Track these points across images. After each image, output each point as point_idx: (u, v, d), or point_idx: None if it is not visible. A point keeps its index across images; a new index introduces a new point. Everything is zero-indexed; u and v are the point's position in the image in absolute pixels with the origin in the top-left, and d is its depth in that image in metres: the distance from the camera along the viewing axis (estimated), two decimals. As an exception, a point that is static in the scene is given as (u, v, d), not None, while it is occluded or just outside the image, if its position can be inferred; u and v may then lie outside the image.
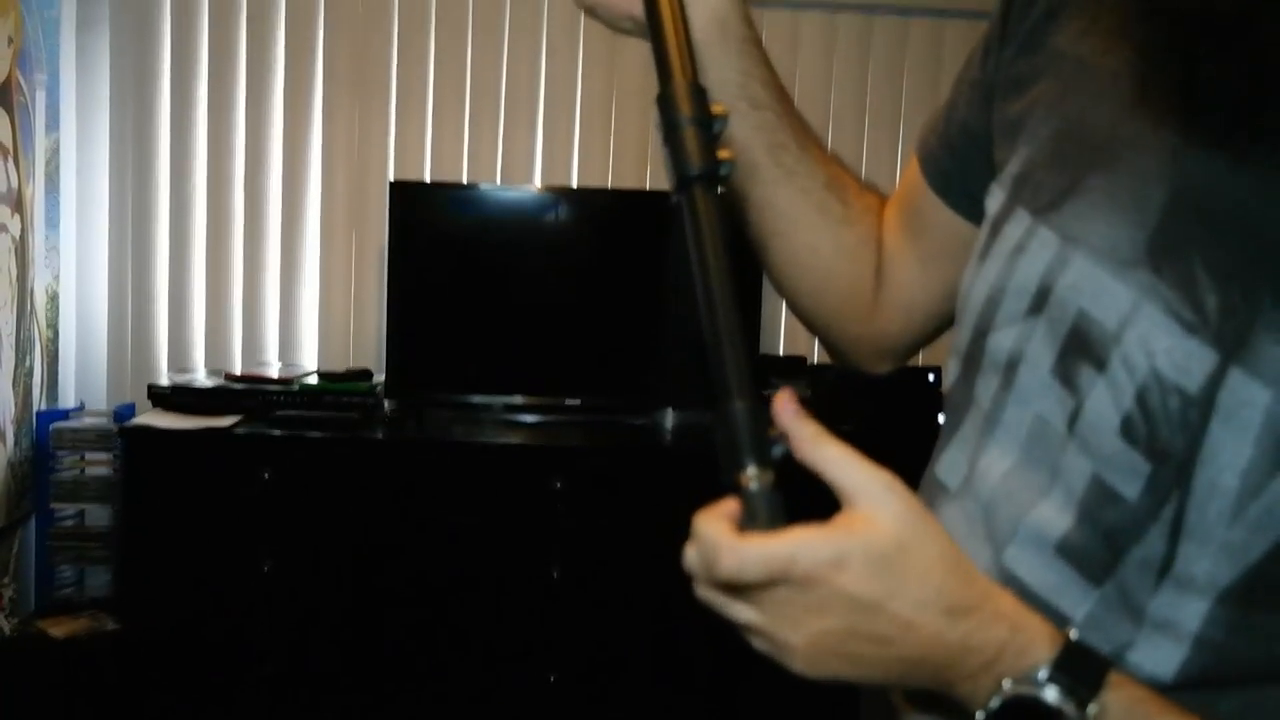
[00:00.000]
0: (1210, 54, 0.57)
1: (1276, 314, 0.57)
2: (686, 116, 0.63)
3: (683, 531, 0.57)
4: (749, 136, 0.83)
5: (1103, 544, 0.63)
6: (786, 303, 0.93)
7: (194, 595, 2.59)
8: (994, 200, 0.74)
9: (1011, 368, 0.69)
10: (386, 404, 2.84)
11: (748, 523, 0.52)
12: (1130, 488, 0.61)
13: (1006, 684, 0.53)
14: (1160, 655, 0.60)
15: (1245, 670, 0.59)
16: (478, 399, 2.93)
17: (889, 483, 0.54)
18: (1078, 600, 0.63)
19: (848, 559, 0.51)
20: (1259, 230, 0.59)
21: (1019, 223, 0.70)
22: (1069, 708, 0.52)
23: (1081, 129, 0.68)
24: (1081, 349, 0.64)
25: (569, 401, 2.91)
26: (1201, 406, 0.59)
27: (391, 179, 2.94)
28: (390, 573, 2.61)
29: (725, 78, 0.80)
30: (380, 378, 2.89)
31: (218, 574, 2.57)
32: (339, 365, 3.00)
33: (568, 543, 2.62)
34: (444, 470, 2.63)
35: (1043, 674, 0.53)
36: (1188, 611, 0.60)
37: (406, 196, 2.85)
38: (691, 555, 0.54)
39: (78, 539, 2.73)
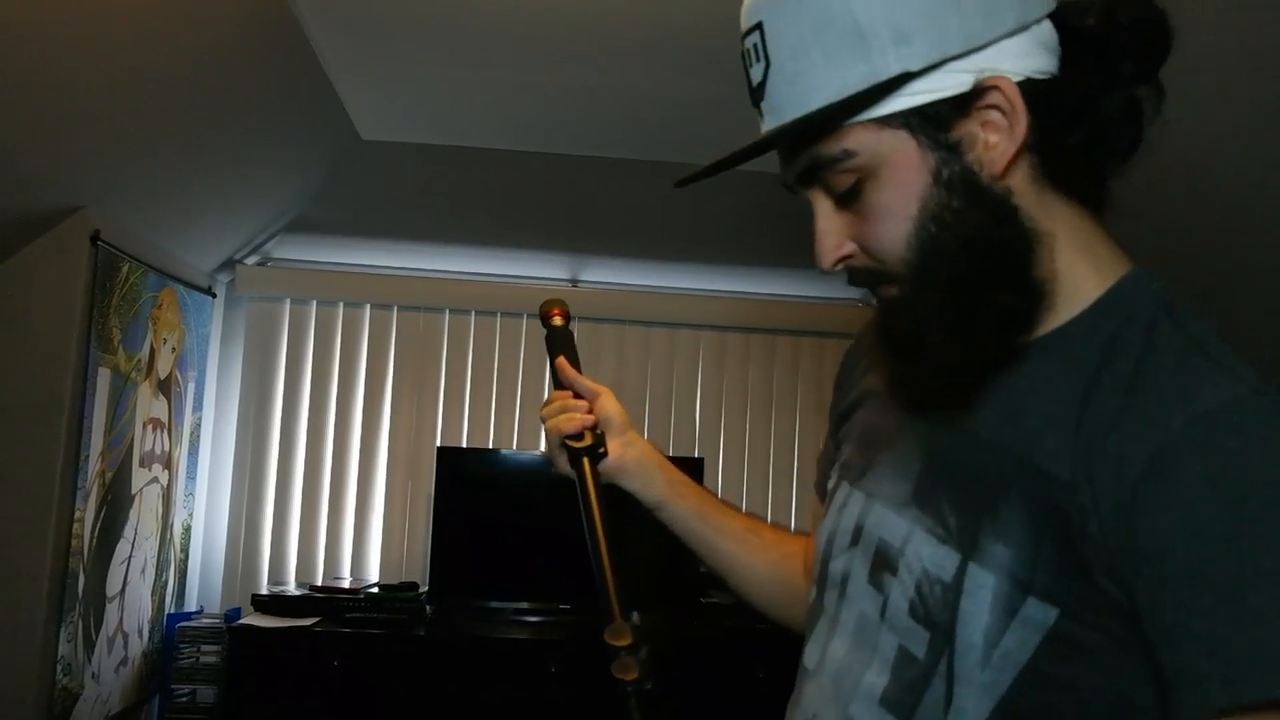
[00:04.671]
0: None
1: (993, 527, 0.71)
2: (584, 447, 1.00)
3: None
4: (685, 516, 1.06)
5: (907, 692, 0.74)
6: (753, 609, 1.11)
7: (277, 755, 2.91)
8: (832, 481, 0.92)
9: (844, 582, 0.83)
10: (428, 608, 3.28)
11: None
12: (919, 650, 0.74)
13: None
14: None
15: None
16: (495, 604, 3.35)
17: None
18: None
19: None
20: (973, 478, 0.74)
21: (844, 490, 0.88)
22: None
23: (875, 430, 0.88)
24: (883, 563, 0.79)
25: (561, 606, 3.31)
26: (955, 590, 0.72)
27: (439, 445, 3.53)
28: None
29: (659, 484, 1.06)
30: (424, 589, 3.34)
31: (296, 739, 2.91)
32: (394, 579, 3.46)
33: (559, 712, 2.96)
34: (470, 658, 3.04)
35: None
36: None
37: (449, 458, 3.42)
38: None
39: (189, 713, 3.08)
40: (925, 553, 0.75)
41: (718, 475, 3.78)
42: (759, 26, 0.73)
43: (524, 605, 3.37)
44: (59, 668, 2.51)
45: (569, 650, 3.06)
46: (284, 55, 2.52)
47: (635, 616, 3.35)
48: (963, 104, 0.71)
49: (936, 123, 0.71)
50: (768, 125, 0.75)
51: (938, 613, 0.73)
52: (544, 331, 1.15)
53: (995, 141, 0.71)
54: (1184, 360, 0.68)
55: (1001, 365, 0.75)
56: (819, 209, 0.77)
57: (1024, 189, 0.73)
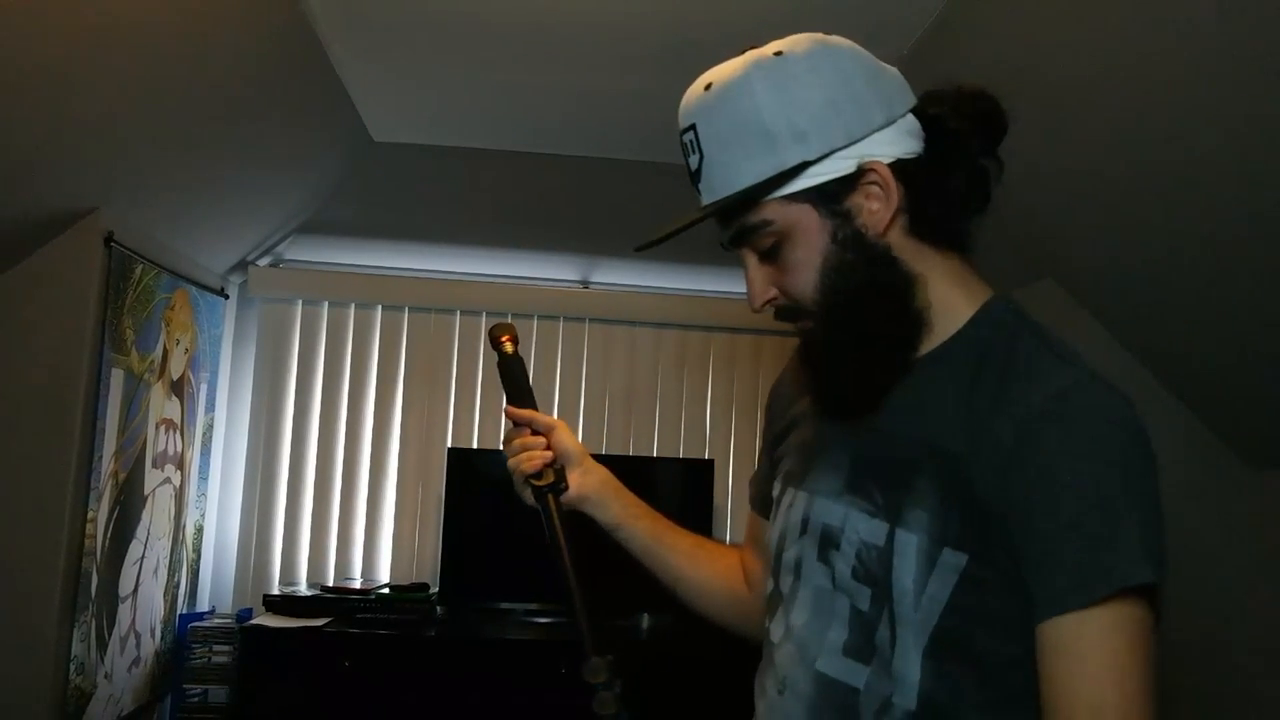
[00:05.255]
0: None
1: (911, 498, 0.89)
2: (546, 485, 1.12)
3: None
4: (640, 536, 1.21)
5: (861, 639, 0.91)
6: (701, 617, 1.24)
7: (288, 755, 2.91)
8: (776, 489, 1.10)
9: (798, 565, 1.00)
10: (439, 609, 3.30)
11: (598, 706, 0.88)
12: (864, 604, 0.91)
13: None
14: (906, 697, 0.87)
15: (947, 703, 0.86)
16: (505, 605, 3.37)
17: None
18: (859, 676, 0.90)
19: None
20: (892, 464, 0.93)
21: (789, 494, 1.04)
22: None
23: (809, 442, 1.05)
24: (828, 543, 0.96)
25: (572, 608, 3.43)
26: (887, 552, 0.89)
27: (450, 446, 3.55)
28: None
29: (615, 508, 1.20)
30: (435, 589, 3.36)
31: (306, 739, 2.91)
32: (405, 579, 3.48)
33: (568, 713, 2.95)
34: (480, 658, 3.06)
35: None
36: (911, 669, 0.87)
37: (460, 458, 3.44)
38: None
39: (201, 712, 3.09)
40: (861, 527, 0.92)
41: (728, 477, 3.77)
42: (693, 127, 0.95)
43: (534, 606, 3.37)
44: (72, 667, 2.52)
45: (579, 651, 3.00)
46: (297, 57, 2.53)
47: (645, 619, 3.33)
48: (849, 182, 0.93)
49: (831, 197, 0.93)
50: (704, 201, 0.96)
51: (876, 571, 0.90)
52: (496, 357, 1.22)
53: (876, 209, 0.93)
54: (1038, 357, 0.90)
55: (899, 377, 0.95)
56: (748, 263, 0.98)
57: (901, 243, 0.95)
